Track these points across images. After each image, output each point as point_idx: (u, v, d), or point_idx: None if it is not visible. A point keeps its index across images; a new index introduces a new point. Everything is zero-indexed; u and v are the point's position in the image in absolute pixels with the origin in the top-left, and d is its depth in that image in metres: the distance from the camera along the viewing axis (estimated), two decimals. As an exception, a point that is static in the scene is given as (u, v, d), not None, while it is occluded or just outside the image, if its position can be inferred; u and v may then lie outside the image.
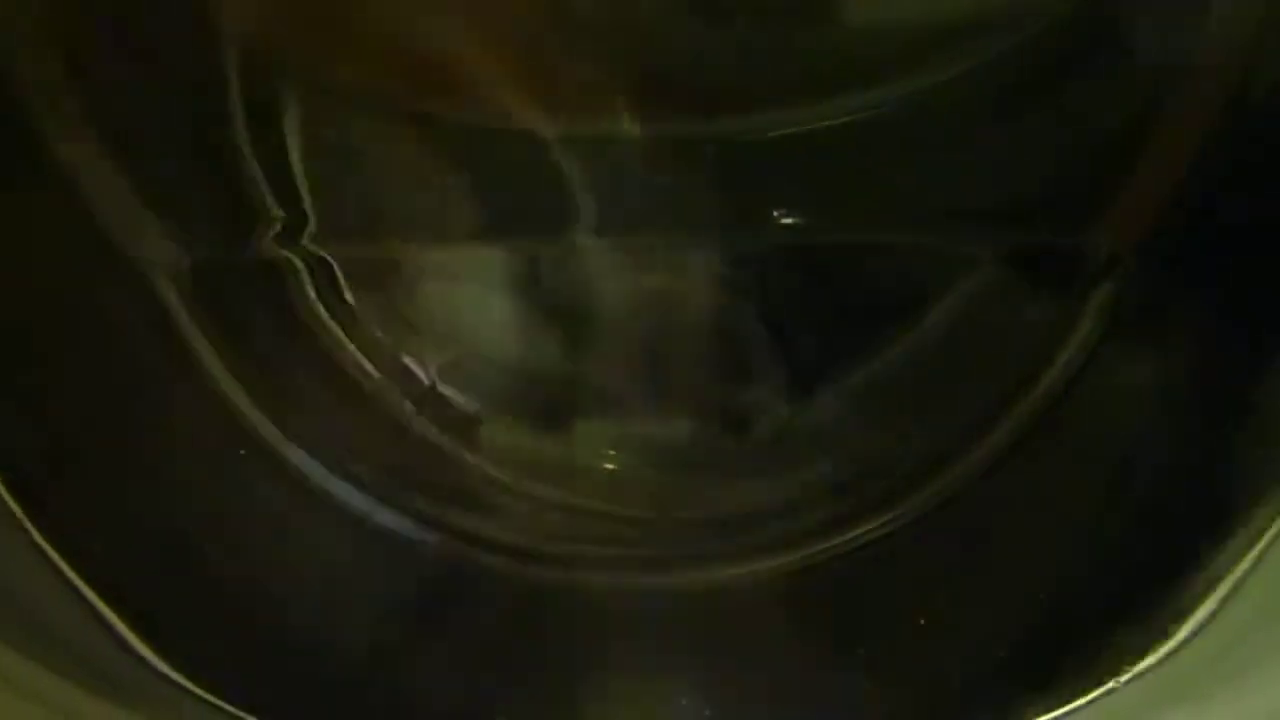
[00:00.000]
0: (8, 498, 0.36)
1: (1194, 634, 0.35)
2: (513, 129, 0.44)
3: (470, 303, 0.45)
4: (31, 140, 0.39)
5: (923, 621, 0.41)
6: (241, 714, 0.36)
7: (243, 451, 0.42)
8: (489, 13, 0.43)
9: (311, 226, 0.43)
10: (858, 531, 0.43)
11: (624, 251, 0.45)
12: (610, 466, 0.45)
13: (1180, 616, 0.35)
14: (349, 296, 0.45)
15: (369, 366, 0.45)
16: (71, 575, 0.36)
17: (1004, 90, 0.42)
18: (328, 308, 0.44)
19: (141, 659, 0.36)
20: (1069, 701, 0.36)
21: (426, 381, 0.45)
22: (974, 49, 0.42)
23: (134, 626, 0.36)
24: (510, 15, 0.43)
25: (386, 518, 0.43)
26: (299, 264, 0.44)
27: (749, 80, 0.44)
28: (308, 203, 0.43)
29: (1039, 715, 0.36)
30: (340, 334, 0.44)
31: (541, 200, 0.44)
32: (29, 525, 0.36)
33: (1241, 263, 0.39)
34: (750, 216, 0.45)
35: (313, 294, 0.44)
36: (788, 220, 0.44)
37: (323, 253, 0.44)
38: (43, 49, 0.39)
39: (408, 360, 0.45)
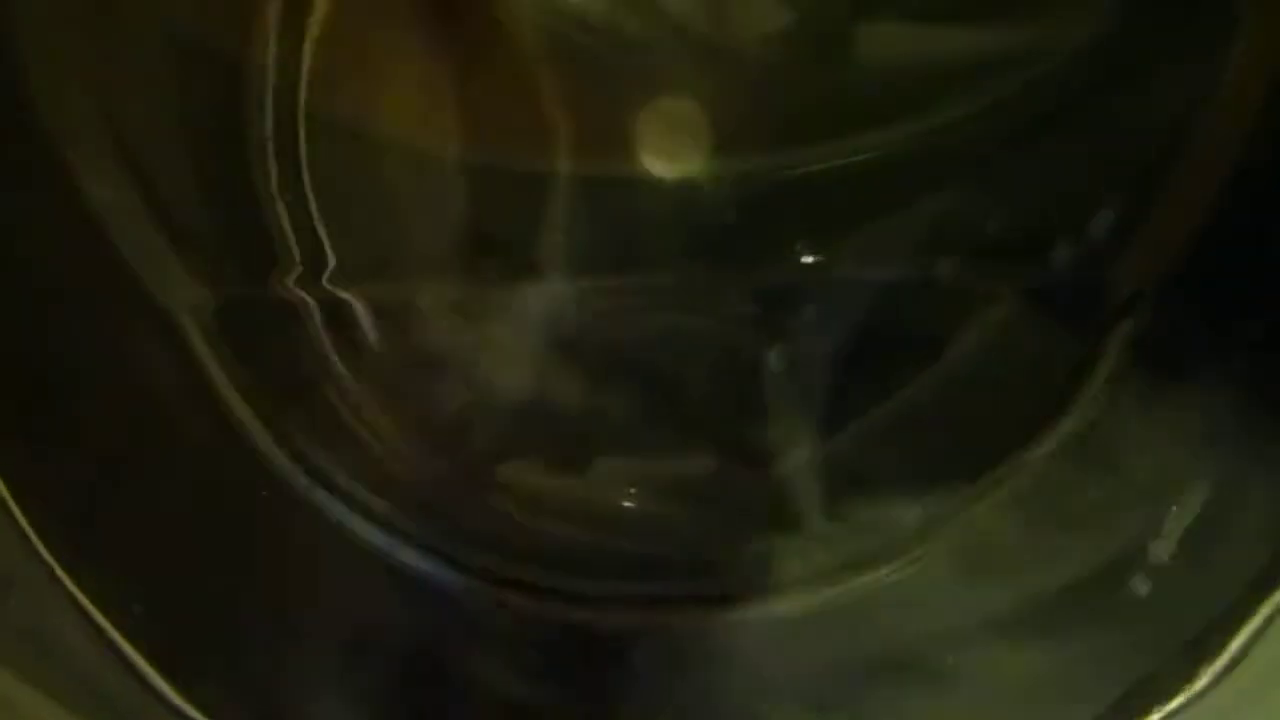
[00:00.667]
0: (32, 536, 0.36)
1: (1220, 677, 0.34)
2: (534, 171, 0.44)
3: (489, 342, 0.46)
4: (63, 183, 0.39)
5: (950, 660, 0.40)
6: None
7: (265, 492, 0.42)
8: (509, 58, 0.43)
9: (332, 268, 0.44)
10: (882, 570, 0.43)
11: (643, 289, 0.45)
12: (630, 504, 0.45)
13: (1208, 658, 0.34)
14: (369, 337, 0.45)
15: (390, 406, 0.45)
16: (93, 612, 0.36)
17: (1024, 125, 0.42)
18: (348, 349, 0.45)
19: (161, 696, 0.36)
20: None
21: (446, 421, 0.45)
22: (993, 85, 0.42)
23: (155, 663, 0.36)
24: (528, 60, 0.43)
25: (409, 556, 0.43)
26: (320, 305, 0.44)
27: (769, 118, 0.44)
28: (328, 244, 0.44)
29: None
30: (361, 374, 0.45)
31: (562, 240, 0.44)
32: (52, 562, 0.36)
33: (1264, 297, 0.38)
34: (772, 253, 0.45)
35: (334, 335, 0.45)
36: (809, 257, 0.45)
37: (343, 294, 0.44)
38: (73, 94, 0.39)
39: (428, 400, 0.45)
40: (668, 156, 0.44)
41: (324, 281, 0.44)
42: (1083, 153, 0.42)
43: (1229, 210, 0.40)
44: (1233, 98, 0.39)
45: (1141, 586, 0.37)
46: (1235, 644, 0.34)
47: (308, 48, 0.43)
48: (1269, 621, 0.34)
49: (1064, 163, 0.43)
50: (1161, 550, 0.37)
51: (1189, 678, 0.34)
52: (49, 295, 0.39)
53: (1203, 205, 0.40)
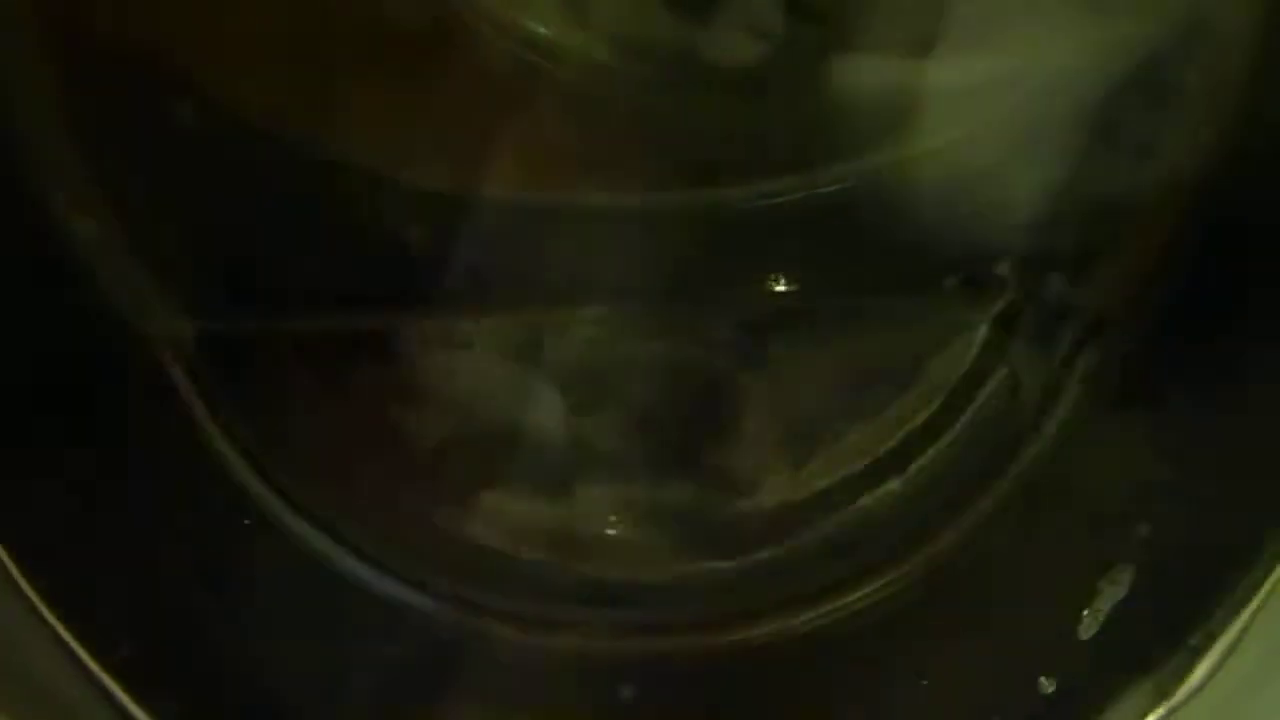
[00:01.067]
0: (14, 571, 0.36)
1: (1194, 693, 0.35)
2: (510, 200, 0.44)
3: (471, 370, 0.46)
4: (45, 219, 0.39)
5: (925, 683, 0.41)
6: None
7: (245, 521, 0.42)
8: (481, 88, 0.44)
9: (310, 298, 0.44)
10: (857, 594, 0.43)
11: (623, 318, 0.45)
12: (612, 532, 0.46)
13: (1180, 676, 0.35)
14: (349, 366, 0.45)
15: (370, 435, 0.45)
16: (74, 645, 0.36)
17: (991, 157, 0.43)
18: (327, 378, 0.45)
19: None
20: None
21: (428, 450, 0.45)
22: (966, 116, 0.43)
23: (135, 697, 0.36)
24: (501, 90, 0.44)
25: (389, 586, 0.43)
26: (298, 337, 0.44)
27: (744, 149, 0.45)
28: (306, 274, 0.44)
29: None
30: (340, 403, 0.45)
31: (540, 270, 0.45)
32: (33, 595, 0.36)
33: (1228, 324, 0.39)
34: (748, 282, 0.46)
35: (313, 364, 0.45)
36: (784, 286, 0.45)
37: (323, 324, 0.44)
38: (53, 127, 0.39)
39: (409, 428, 0.45)
40: (644, 185, 0.45)
41: (302, 311, 0.44)
42: (1049, 183, 0.43)
43: (1193, 238, 0.41)
44: (1201, 126, 0.40)
45: (1048, 686, 0.38)
46: (1204, 664, 0.34)
47: (279, 74, 0.43)
48: (1235, 642, 0.35)
49: (1029, 193, 0.43)
50: (1089, 624, 0.38)
51: (1161, 698, 0.35)
52: (29, 328, 0.39)
53: (1167, 234, 0.41)
